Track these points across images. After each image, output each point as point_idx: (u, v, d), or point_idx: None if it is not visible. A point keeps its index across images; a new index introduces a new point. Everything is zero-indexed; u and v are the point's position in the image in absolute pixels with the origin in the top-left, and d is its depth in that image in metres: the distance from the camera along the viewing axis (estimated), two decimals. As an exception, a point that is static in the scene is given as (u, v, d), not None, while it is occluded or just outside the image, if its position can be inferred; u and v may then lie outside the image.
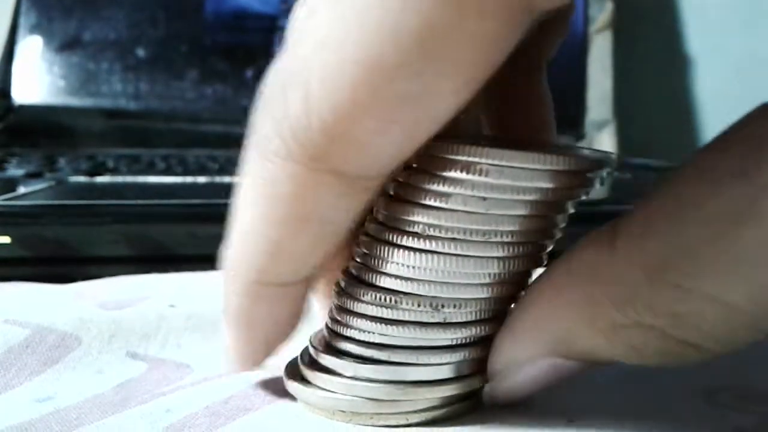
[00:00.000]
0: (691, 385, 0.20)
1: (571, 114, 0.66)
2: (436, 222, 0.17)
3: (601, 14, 0.70)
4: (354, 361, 0.18)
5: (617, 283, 0.15)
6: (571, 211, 0.18)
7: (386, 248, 0.17)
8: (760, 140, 0.14)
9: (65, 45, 0.64)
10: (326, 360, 0.18)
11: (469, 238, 0.17)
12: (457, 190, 0.16)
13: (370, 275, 0.18)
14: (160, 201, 0.36)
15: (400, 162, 0.16)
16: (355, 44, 0.13)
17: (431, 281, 0.17)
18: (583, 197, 0.18)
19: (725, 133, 0.15)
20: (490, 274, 0.17)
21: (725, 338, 0.15)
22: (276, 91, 0.15)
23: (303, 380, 0.19)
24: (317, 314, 0.21)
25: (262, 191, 0.16)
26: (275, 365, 0.20)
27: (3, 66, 0.63)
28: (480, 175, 0.16)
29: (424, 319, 0.17)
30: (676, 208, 0.15)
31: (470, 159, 0.16)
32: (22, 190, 0.40)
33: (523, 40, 0.20)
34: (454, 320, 0.18)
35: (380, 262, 0.17)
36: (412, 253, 0.17)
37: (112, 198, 0.39)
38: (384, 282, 0.17)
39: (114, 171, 0.48)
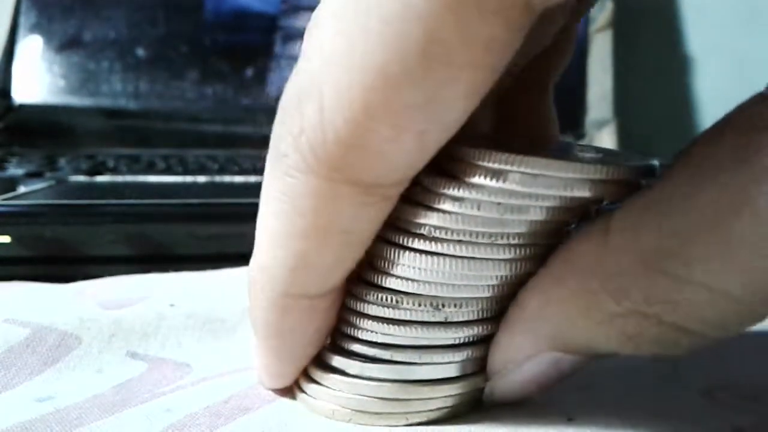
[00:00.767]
0: (691, 385, 0.21)
1: (572, 113, 0.66)
2: (443, 224, 0.16)
3: (602, 14, 0.70)
4: (358, 360, 0.18)
5: (612, 274, 0.15)
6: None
7: (392, 249, 0.17)
8: (751, 129, 0.14)
9: (65, 44, 0.64)
10: (331, 358, 0.18)
11: (475, 240, 0.17)
12: (474, 195, 0.16)
13: (375, 275, 0.18)
14: (160, 201, 0.36)
15: (417, 168, 0.16)
16: (361, 56, 0.14)
17: (434, 282, 0.17)
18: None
19: (717, 125, 0.15)
20: (494, 276, 0.17)
21: (720, 324, 0.15)
22: (291, 106, 0.15)
23: (309, 378, 0.19)
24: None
25: (284, 206, 0.16)
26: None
27: (3, 65, 0.63)
28: (506, 182, 0.16)
29: (426, 319, 0.17)
30: (669, 198, 0.15)
31: (497, 166, 0.16)
32: (22, 189, 0.40)
33: (530, 62, 0.20)
34: (456, 319, 0.18)
35: (385, 262, 0.17)
36: (418, 254, 0.17)
37: (112, 198, 0.39)
38: (388, 282, 0.17)
39: (114, 171, 0.48)
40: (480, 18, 0.13)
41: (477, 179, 0.16)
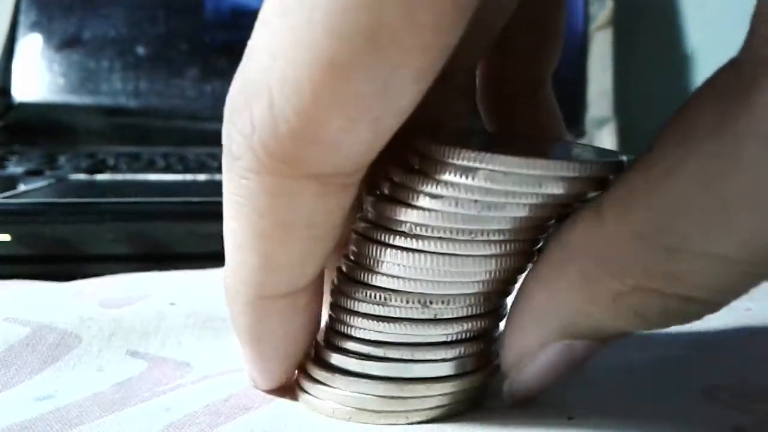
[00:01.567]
0: (691, 384, 0.20)
1: (572, 111, 0.66)
2: (423, 222, 0.17)
3: (602, 12, 0.70)
4: (353, 358, 0.18)
5: (610, 254, 0.15)
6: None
7: (375, 247, 0.17)
8: (730, 92, 0.14)
9: (65, 43, 0.64)
10: (330, 356, 0.18)
11: (456, 237, 0.17)
12: (450, 192, 0.16)
13: (362, 273, 0.18)
14: (160, 199, 0.36)
15: (373, 155, 0.15)
16: (309, 49, 0.14)
17: (420, 279, 0.17)
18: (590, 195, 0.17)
19: (696, 93, 0.15)
20: (480, 272, 0.17)
21: (724, 289, 0.15)
22: (240, 106, 0.15)
23: (309, 376, 0.19)
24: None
25: (243, 209, 0.16)
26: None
27: (3, 64, 0.63)
28: (481, 180, 0.16)
29: (415, 316, 0.18)
30: (658, 171, 0.15)
31: (466, 164, 0.16)
32: (22, 187, 0.40)
33: (520, 60, 0.20)
34: (445, 316, 0.18)
35: (370, 260, 0.17)
36: (400, 251, 0.17)
37: (112, 196, 0.39)
38: (375, 280, 0.17)
39: (114, 169, 0.48)
40: (426, 3, 0.13)
41: (447, 176, 0.16)
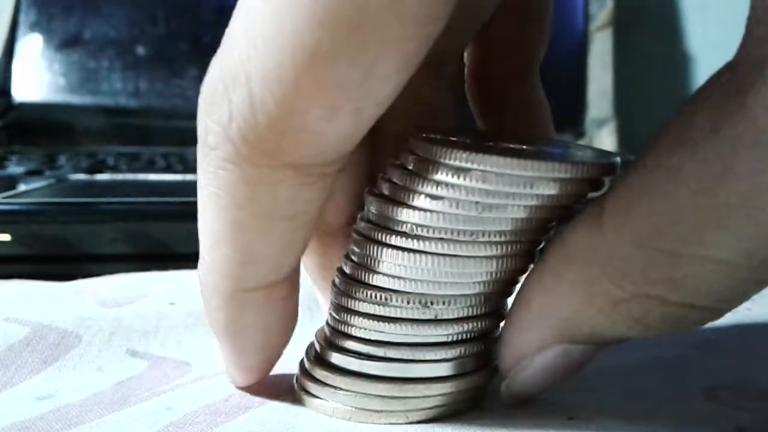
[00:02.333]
0: (691, 384, 0.20)
1: (572, 111, 0.66)
2: (424, 222, 0.17)
3: (602, 12, 0.70)
4: (354, 358, 0.18)
5: (610, 260, 0.15)
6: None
7: (376, 247, 0.17)
8: (722, 99, 0.14)
9: (65, 43, 0.64)
10: (330, 356, 0.18)
11: (456, 238, 0.17)
12: (450, 193, 0.16)
13: (362, 273, 0.18)
14: (160, 199, 0.36)
15: (353, 145, 0.15)
16: (291, 36, 0.13)
17: (421, 280, 0.17)
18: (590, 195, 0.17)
19: (692, 97, 0.15)
20: (480, 273, 0.17)
21: (725, 295, 0.15)
22: (217, 95, 0.15)
23: (309, 375, 0.19)
24: (322, 308, 0.21)
25: (221, 201, 0.16)
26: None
27: (3, 64, 0.63)
28: (474, 181, 0.16)
29: (415, 316, 0.18)
30: (656, 176, 0.15)
31: (458, 164, 0.16)
32: (22, 187, 0.40)
33: (506, 46, 0.20)
34: (446, 317, 0.18)
35: (371, 260, 0.17)
36: (401, 252, 0.17)
37: (112, 196, 0.39)
38: (375, 280, 0.17)
39: (114, 169, 0.48)
40: None
41: (441, 177, 0.16)
